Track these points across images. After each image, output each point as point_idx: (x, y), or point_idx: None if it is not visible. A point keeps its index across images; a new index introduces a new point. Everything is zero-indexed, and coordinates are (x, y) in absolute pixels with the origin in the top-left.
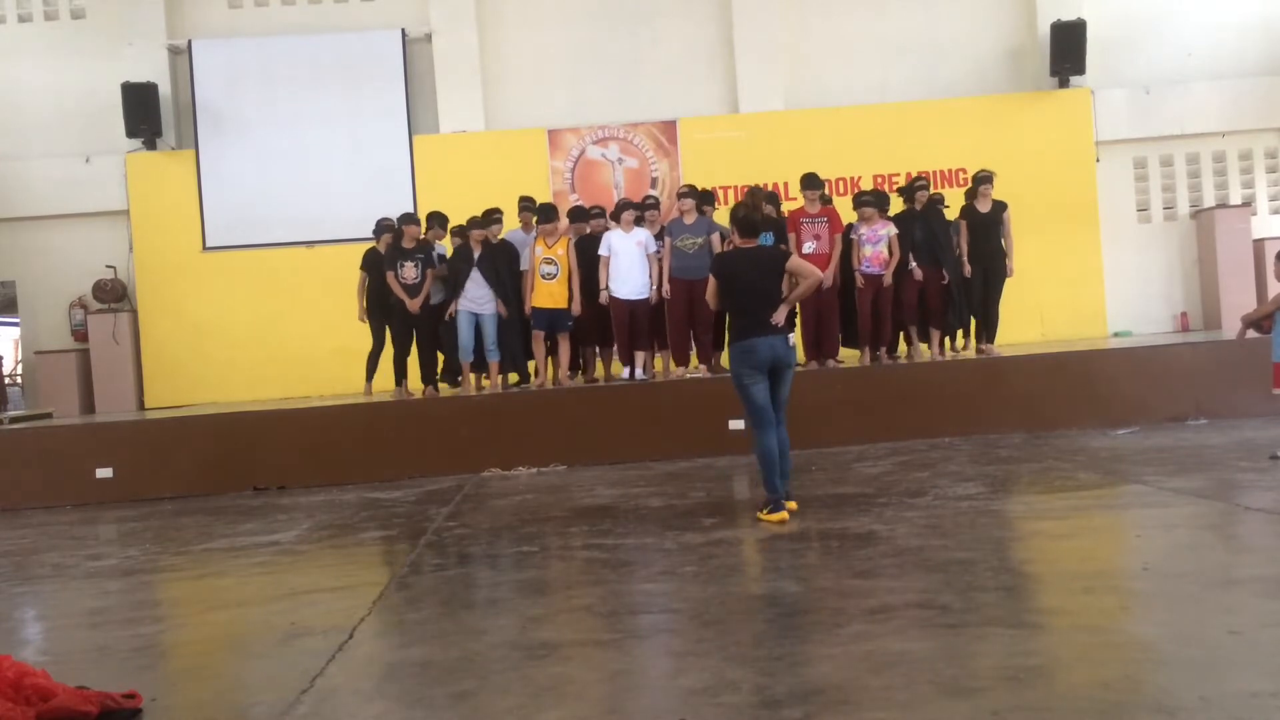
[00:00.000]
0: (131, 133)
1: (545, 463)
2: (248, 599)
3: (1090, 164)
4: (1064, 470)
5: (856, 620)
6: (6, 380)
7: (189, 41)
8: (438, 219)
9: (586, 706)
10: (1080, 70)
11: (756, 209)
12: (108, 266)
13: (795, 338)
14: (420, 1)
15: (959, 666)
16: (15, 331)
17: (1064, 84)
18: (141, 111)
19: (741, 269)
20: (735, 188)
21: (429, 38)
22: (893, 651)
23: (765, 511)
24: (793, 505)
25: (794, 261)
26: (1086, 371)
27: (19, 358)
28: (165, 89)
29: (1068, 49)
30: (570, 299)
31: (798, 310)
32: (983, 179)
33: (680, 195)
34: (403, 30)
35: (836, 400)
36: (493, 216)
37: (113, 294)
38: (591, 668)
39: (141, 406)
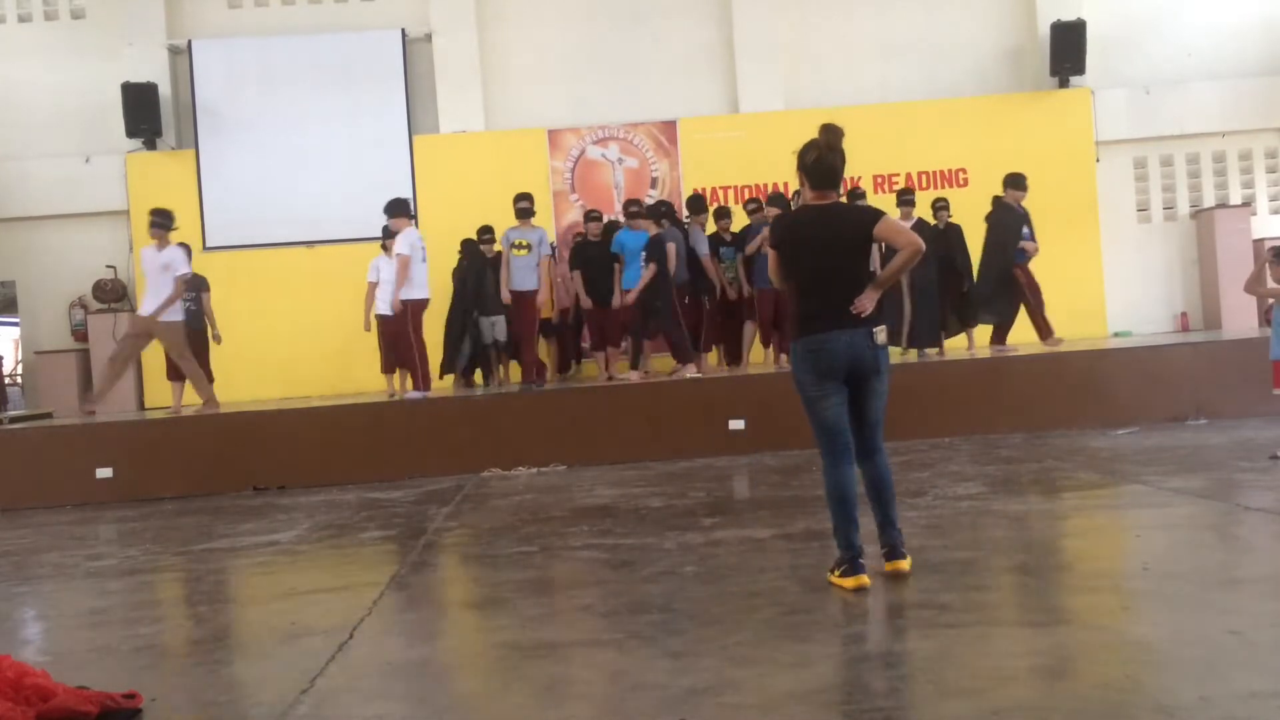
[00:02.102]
0: (131, 133)
1: (545, 463)
2: (248, 599)
3: (1090, 164)
4: (1064, 470)
5: (856, 620)
6: (6, 380)
7: (189, 41)
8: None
9: (586, 706)
10: (1080, 70)
11: (833, 149)
12: (108, 266)
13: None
14: (420, 1)
15: (959, 666)
16: (15, 331)
17: (1064, 84)
18: (141, 111)
19: (810, 234)
20: (735, 188)
21: (429, 38)
22: (893, 651)
23: (836, 573)
24: (903, 565)
25: (886, 224)
26: (1086, 371)
27: (19, 358)
28: (165, 89)
29: (1068, 49)
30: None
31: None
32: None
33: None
34: (403, 30)
35: None
36: (483, 238)
37: (113, 294)
38: (591, 668)
39: (141, 406)
